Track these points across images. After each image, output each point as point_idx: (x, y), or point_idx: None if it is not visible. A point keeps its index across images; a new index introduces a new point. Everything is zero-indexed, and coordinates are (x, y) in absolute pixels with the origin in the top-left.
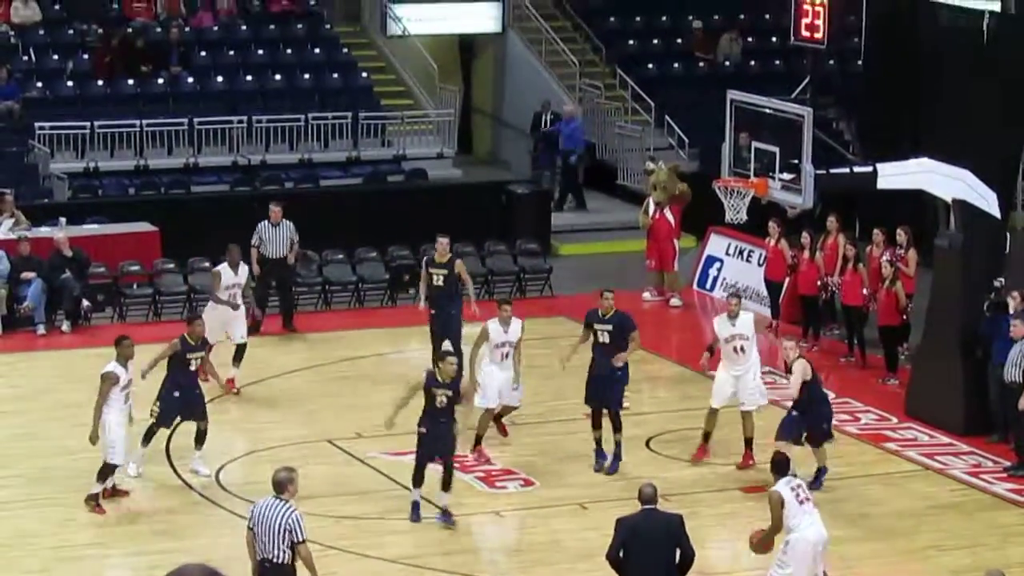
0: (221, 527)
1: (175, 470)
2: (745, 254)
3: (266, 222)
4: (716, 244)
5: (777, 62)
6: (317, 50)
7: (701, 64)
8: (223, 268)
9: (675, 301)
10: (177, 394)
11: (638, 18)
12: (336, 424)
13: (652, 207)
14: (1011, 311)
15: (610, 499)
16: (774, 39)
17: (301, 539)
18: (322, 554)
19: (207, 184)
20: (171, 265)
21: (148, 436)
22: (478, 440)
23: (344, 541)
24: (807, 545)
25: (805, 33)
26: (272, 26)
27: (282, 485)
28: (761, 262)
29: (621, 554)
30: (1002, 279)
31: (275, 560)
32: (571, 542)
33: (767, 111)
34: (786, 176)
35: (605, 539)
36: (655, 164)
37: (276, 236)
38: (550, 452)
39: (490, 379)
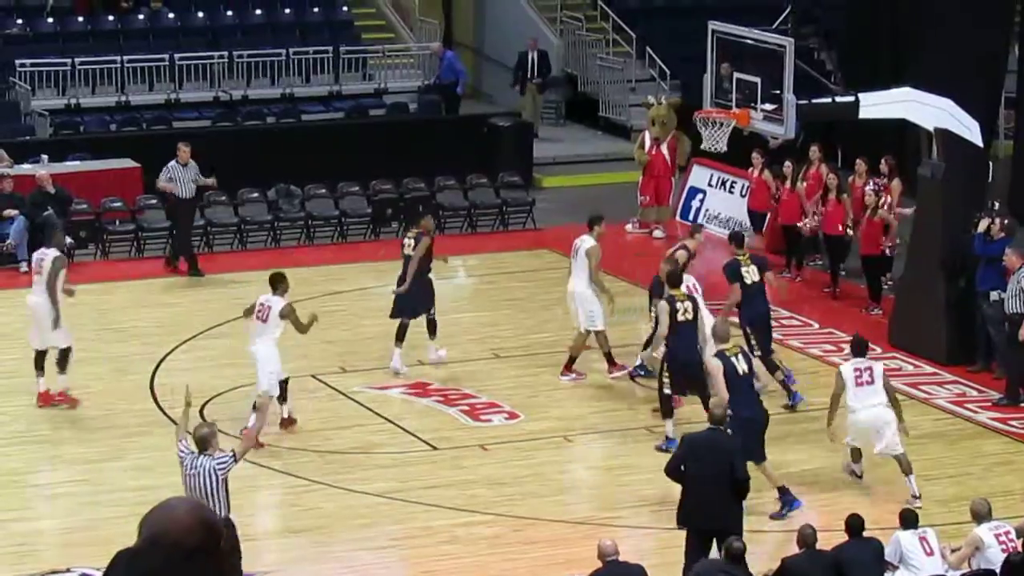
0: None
1: (159, 405)
2: (728, 185)
3: (175, 162)
4: (699, 175)
5: None
6: None
7: None
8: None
9: (658, 233)
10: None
11: None
12: (320, 359)
13: (648, 142)
14: (978, 230)
15: (596, 431)
16: None
17: (230, 457)
18: (306, 489)
19: (188, 120)
20: (153, 201)
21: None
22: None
23: (330, 476)
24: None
25: None
26: None
27: (205, 441)
28: (744, 193)
29: (682, 467)
30: (996, 202)
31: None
32: (554, 475)
33: (749, 42)
34: (768, 107)
35: (589, 472)
36: (654, 99)
37: (186, 176)
38: (534, 385)
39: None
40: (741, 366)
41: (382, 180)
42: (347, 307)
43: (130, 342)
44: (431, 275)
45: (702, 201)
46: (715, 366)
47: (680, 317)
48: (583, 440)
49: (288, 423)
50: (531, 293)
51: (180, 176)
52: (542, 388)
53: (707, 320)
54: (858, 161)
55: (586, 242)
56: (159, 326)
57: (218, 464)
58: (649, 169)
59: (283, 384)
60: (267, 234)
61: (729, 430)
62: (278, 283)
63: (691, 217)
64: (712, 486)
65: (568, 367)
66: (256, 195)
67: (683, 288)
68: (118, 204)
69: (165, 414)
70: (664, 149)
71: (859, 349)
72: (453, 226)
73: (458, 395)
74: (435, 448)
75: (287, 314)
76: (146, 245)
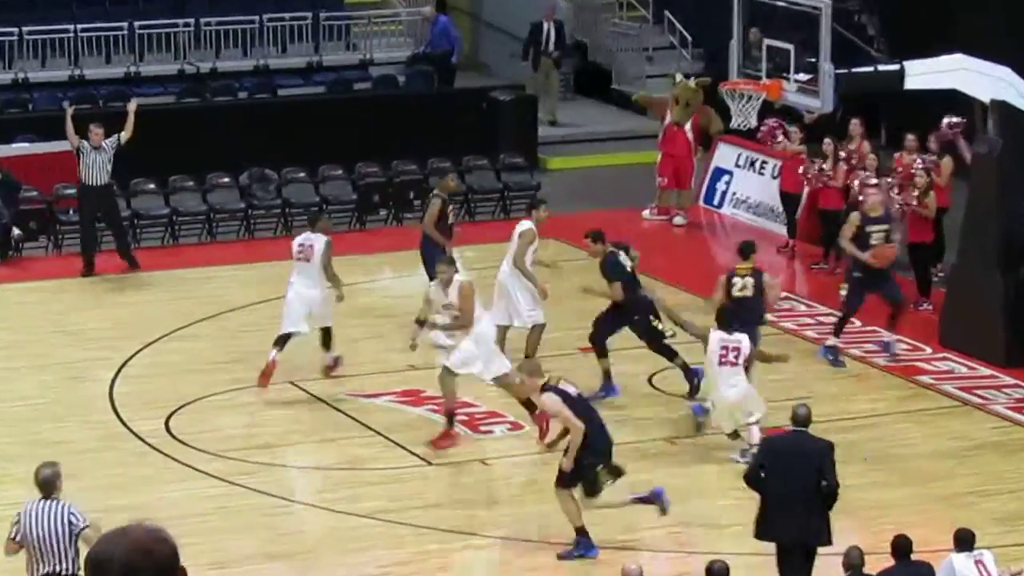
0: (173, 481)
1: (119, 417)
2: (757, 165)
3: (86, 143)
4: (724, 155)
5: None
6: None
7: None
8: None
9: (678, 220)
10: None
11: None
12: (300, 363)
13: (667, 120)
14: None
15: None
16: None
17: (84, 523)
18: (285, 510)
19: (151, 96)
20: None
21: None
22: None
23: (312, 495)
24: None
25: None
26: None
27: (50, 484)
28: (776, 174)
29: (762, 475)
30: None
31: (64, 571)
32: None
33: (780, 4)
34: (802, 77)
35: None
36: (681, 76)
37: (99, 161)
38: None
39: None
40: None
41: (368, 163)
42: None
43: (86, 346)
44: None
45: (728, 184)
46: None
47: (737, 292)
48: None
49: (332, 368)
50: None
51: (91, 161)
52: None
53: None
54: (907, 136)
55: (523, 225)
56: (119, 328)
57: (71, 515)
58: (668, 147)
59: (326, 332)
60: (239, 224)
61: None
62: (317, 220)
63: (716, 202)
64: (796, 494)
65: None
66: (227, 180)
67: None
68: (72, 191)
69: (127, 427)
70: (687, 128)
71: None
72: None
73: (458, 403)
74: (429, 463)
75: (327, 252)
76: (104, 237)
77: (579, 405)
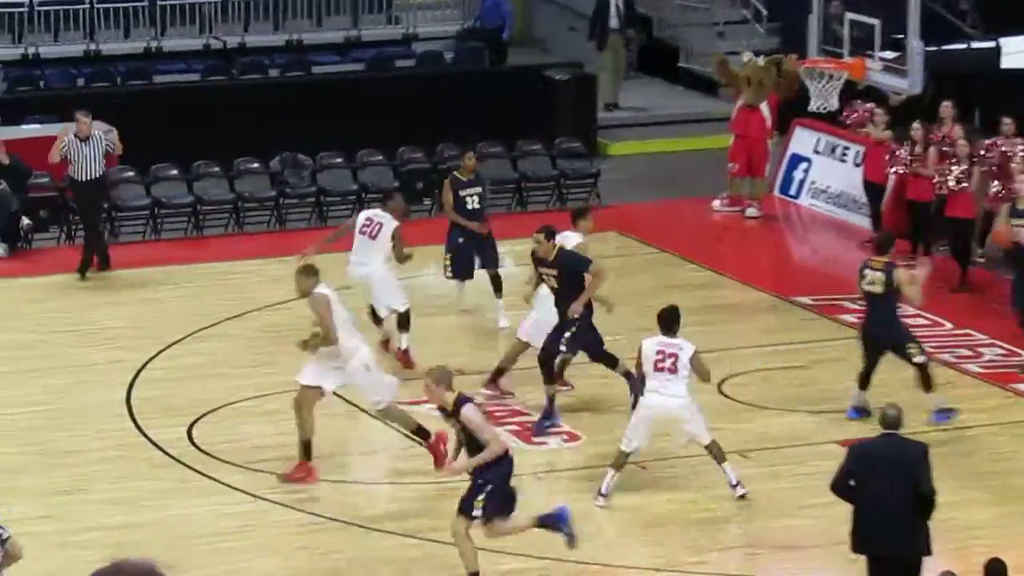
0: (195, 495)
1: (137, 425)
2: (839, 151)
3: (72, 137)
4: (802, 140)
5: None
6: None
7: None
8: None
9: (751, 211)
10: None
11: None
12: None
13: (738, 104)
14: None
15: (676, 456)
16: None
17: (6, 535)
18: (319, 528)
19: (173, 73)
20: (131, 173)
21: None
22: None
23: (348, 512)
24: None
25: None
26: None
27: None
28: (859, 161)
29: (851, 483)
30: None
31: None
32: (625, 510)
33: None
34: (888, 55)
35: (667, 506)
36: (750, 55)
37: (88, 153)
38: (600, 399)
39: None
40: None
41: (411, 147)
42: (370, 303)
43: (102, 347)
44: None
45: (806, 172)
46: None
47: (865, 286)
48: (660, 467)
49: (405, 357)
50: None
51: (79, 154)
52: (610, 402)
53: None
54: (1004, 120)
55: (569, 239)
56: (137, 327)
57: None
58: (741, 129)
59: (404, 316)
60: (269, 214)
61: None
62: (389, 199)
63: (793, 192)
64: (889, 503)
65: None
66: (256, 166)
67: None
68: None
69: (145, 436)
70: (763, 106)
71: (667, 324)
72: (499, 203)
73: (506, 412)
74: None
75: (397, 236)
76: (122, 227)
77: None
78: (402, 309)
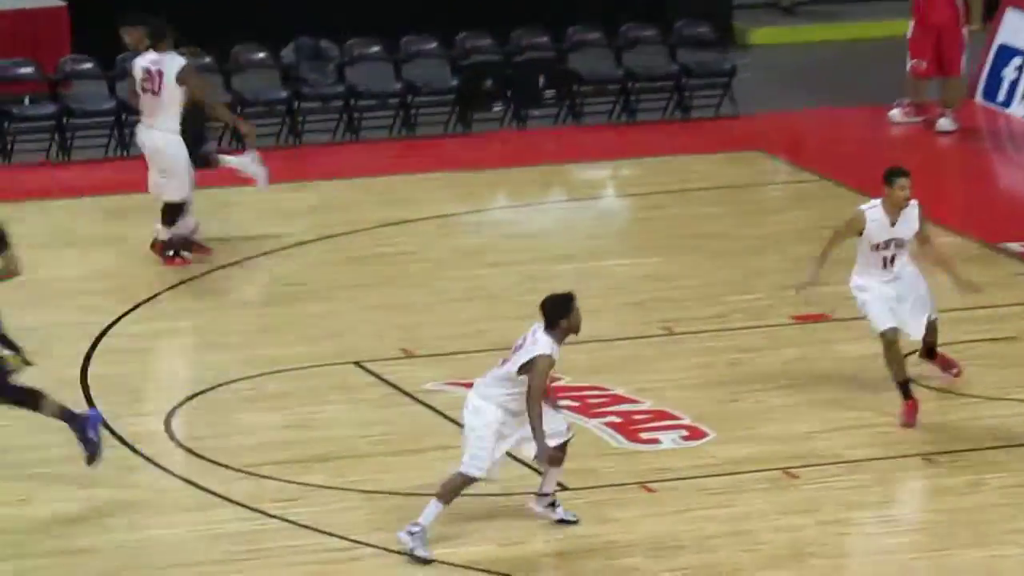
0: (177, 510)
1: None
2: None
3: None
4: (1014, 26)
5: None
6: None
7: None
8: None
9: (944, 123)
10: None
11: None
12: (367, 336)
13: None
14: None
15: (841, 461)
16: None
17: None
18: (348, 555)
19: None
20: (88, 65)
21: None
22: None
23: (384, 532)
24: None
25: None
26: None
27: None
28: None
29: None
30: None
31: None
32: (766, 534)
33: None
34: None
35: (823, 529)
36: None
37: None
38: (734, 381)
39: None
40: None
41: (476, 33)
42: (416, 249)
43: (49, 306)
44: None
45: (1020, 70)
46: None
47: None
48: (817, 475)
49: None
50: (730, 227)
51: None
52: (747, 386)
53: None
54: None
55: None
56: (99, 279)
57: None
58: (927, 15)
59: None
60: (279, 123)
61: None
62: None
63: (1001, 98)
64: None
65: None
66: (261, 56)
67: None
68: (28, 70)
69: (107, 427)
70: None
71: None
72: (597, 110)
73: (603, 398)
74: (564, 487)
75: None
76: (75, 141)
77: None
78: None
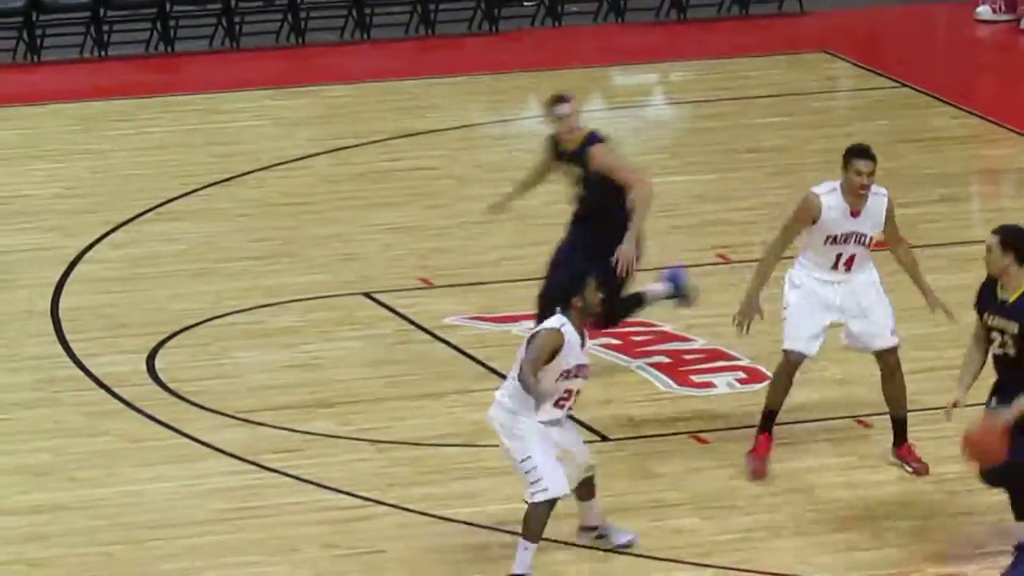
0: (159, 461)
1: (69, 350)
2: None
3: None
4: None
5: None
6: None
7: None
8: None
9: None
10: None
11: None
12: (379, 263)
13: None
14: None
15: (920, 407)
16: None
17: None
18: (358, 513)
19: None
20: None
21: None
22: None
23: (398, 489)
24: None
25: None
26: None
27: None
28: None
29: None
30: None
31: None
32: (833, 492)
33: None
34: None
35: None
36: None
37: None
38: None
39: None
40: None
41: None
42: (435, 164)
43: (14, 228)
44: None
45: None
46: None
47: None
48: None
49: None
50: (796, 141)
51: None
52: None
53: None
54: None
55: None
56: (72, 195)
57: None
58: None
59: None
60: (281, 18)
61: None
62: None
63: None
64: None
65: None
66: None
67: None
68: None
69: (81, 367)
70: None
71: None
72: (643, 5)
73: (650, 336)
74: (604, 438)
75: None
76: (45, 40)
77: None
78: None
